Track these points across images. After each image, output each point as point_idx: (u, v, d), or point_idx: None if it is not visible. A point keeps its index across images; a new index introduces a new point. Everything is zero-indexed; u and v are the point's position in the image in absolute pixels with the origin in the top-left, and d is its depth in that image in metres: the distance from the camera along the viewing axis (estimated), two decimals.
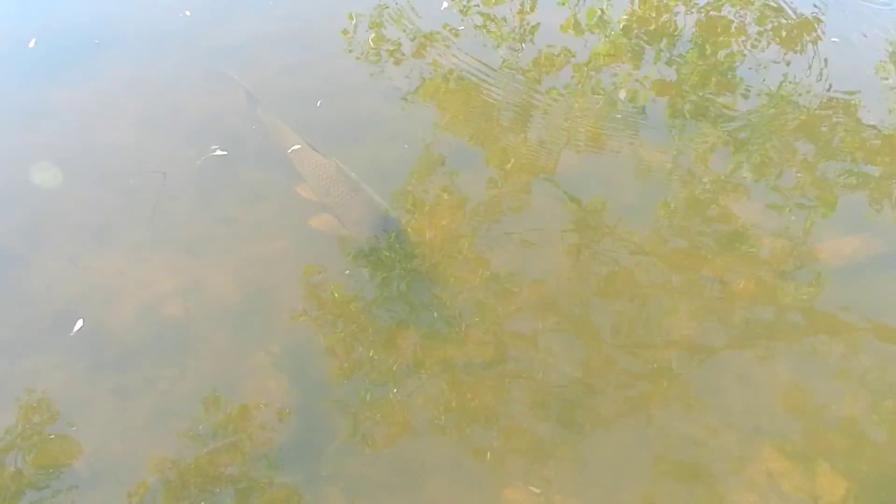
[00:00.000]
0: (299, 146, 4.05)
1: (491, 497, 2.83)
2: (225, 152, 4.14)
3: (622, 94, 4.74)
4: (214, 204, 3.92)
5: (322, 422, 3.05)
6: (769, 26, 5.25)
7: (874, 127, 4.55)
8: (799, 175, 4.20)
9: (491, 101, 4.59)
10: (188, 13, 5.21)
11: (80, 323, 3.36)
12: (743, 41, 5.17)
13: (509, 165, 4.17)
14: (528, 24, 5.21)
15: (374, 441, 2.99)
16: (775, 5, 5.37)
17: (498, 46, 5.01)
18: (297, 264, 3.61)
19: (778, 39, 5.18)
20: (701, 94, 4.77)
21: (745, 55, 5.05)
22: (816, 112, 4.66)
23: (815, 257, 3.74)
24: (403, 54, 4.96)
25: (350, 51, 4.97)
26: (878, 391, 3.22)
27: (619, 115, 4.56)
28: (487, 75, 4.74)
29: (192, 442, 3.01)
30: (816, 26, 5.20)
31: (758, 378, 3.26)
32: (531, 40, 5.11)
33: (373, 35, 5.14)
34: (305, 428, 3.04)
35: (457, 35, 5.09)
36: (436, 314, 3.39)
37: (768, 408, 3.16)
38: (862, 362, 3.32)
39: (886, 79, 4.95)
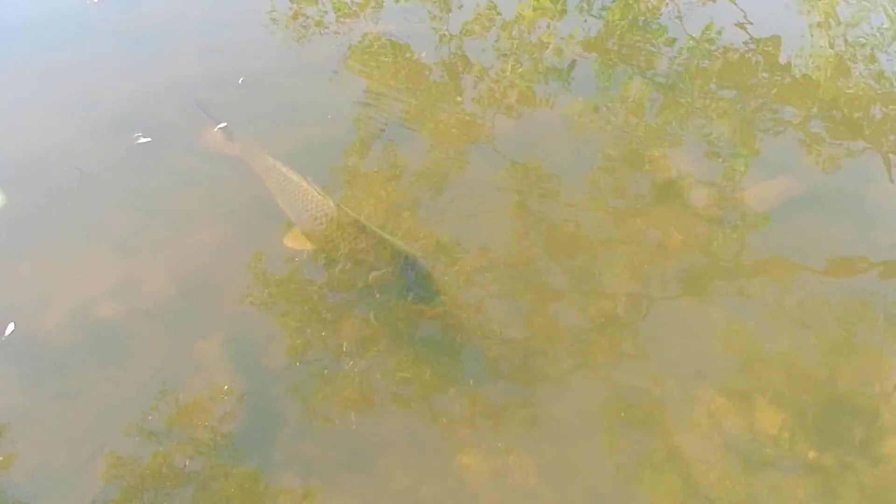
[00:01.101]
0: (226, 123, 3.95)
1: (444, 464, 2.87)
2: (149, 139, 4.00)
3: (549, 52, 4.75)
4: (142, 196, 3.80)
5: (271, 408, 3.03)
6: None
7: (792, 70, 4.69)
8: (723, 123, 4.31)
9: (420, 68, 4.55)
10: (95, 0, 4.99)
11: (11, 326, 3.24)
12: None
13: (442, 132, 4.16)
14: None
15: (326, 422, 2.99)
16: None
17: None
18: (234, 253, 3.53)
19: None
20: (626, 45, 4.82)
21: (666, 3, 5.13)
22: (737, 57, 4.76)
23: (741, 203, 3.87)
24: (326, 27, 4.86)
25: (274, 20, 4.86)
26: (807, 326, 3.38)
27: (547, 73, 4.58)
28: (414, 42, 4.69)
29: (142, 440, 2.95)
30: None
31: (695, 324, 3.38)
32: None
33: (293, 9, 5.01)
34: (255, 416, 3.01)
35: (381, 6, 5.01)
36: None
37: (706, 352, 3.28)
38: (790, 300, 3.47)
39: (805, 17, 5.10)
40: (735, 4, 5.17)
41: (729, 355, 3.28)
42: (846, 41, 4.98)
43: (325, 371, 3.12)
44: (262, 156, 3.72)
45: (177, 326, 3.29)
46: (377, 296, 3.28)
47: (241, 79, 4.38)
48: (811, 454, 2.96)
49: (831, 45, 4.92)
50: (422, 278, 3.21)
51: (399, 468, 2.86)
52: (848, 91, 4.56)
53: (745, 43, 4.86)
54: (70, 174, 3.84)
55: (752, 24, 4.98)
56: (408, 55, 4.65)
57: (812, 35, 5.01)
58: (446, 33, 4.83)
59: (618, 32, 4.92)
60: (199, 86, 4.32)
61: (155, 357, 3.19)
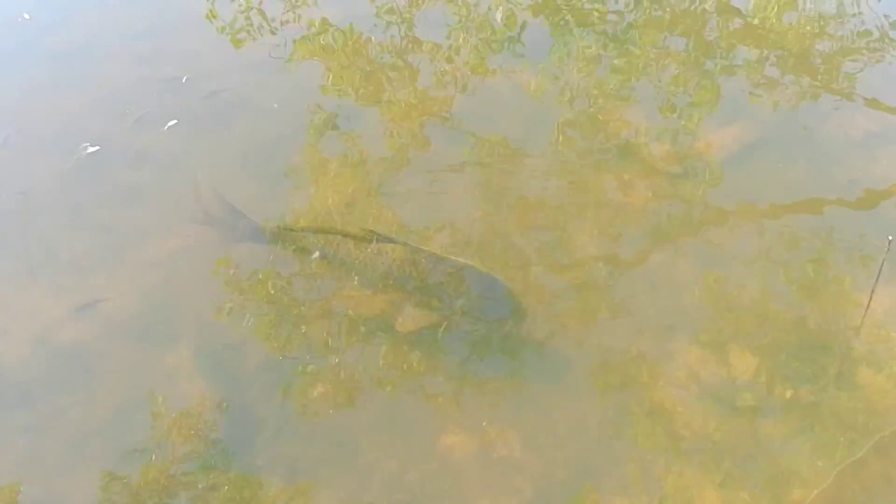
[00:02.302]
0: (176, 121, 3.89)
1: (429, 447, 2.85)
2: (97, 147, 3.90)
3: (498, 17, 4.70)
4: (90, 213, 3.69)
5: (249, 413, 2.98)
6: None
7: (742, 14, 4.69)
8: (676, 73, 4.30)
9: (369, 49, 4.49)
10: (27, 16, 4.85)
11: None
12: None
13: (399, 114, 4.10)
14: None
15: (306, 419, 2.95)
16: None
17: None
18: (193, 262, 3.46)
19: None
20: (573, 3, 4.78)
21: None
22: (687, 4, 4.75)
23: (700, 153, 3.88)
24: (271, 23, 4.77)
25: (212, 17, 4.76)
26: (774, 269, 3.40)
27: (499, 43, 4.54)
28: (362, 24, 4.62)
29: (119, 461, 2.88)
30: None
31: (665, 279, 3.38)
32: None
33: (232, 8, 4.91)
34: (234, 422, 2.96)
35: None
36: None
37: (679, 305, 3.28)
38: (755, 245, 3.49)
39: None
40: None
41: (699, 307, 3.29)
42: None
43: (308, 367, 3.07)
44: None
45: (144, 342, 3.21)
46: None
47: (185, 77, 4.29)
48: (788, 393, 2.99)
49: None
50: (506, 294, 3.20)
51: (384, 456, 2.83)
52: (798, 33, 4.58)
53: None
54: (13, 198, 3.73)
55: None
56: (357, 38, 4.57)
57: None
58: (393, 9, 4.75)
59: None
60: (137, 91, 4.21)
61: (124, 376, 3.12)
